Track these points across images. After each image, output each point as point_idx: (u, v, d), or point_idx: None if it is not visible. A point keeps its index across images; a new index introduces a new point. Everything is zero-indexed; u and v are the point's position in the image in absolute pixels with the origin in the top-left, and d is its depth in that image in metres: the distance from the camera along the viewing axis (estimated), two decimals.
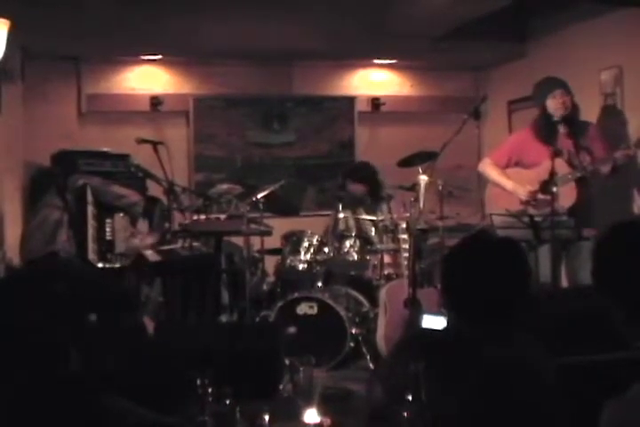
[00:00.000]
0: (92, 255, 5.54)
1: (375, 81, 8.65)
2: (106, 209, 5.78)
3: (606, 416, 1.75)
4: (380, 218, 6.50)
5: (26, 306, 1.94)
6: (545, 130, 5.70)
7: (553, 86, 5.69)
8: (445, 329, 2.57)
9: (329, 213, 7.08)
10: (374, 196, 6.84)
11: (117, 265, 5.87)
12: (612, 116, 6.56)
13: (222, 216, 6.39)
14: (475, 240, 2.63)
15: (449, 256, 2.59)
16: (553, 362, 2.34)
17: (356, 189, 6.88)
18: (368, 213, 6.63)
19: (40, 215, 5.67)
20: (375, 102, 8.58)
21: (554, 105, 5.65)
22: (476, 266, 2.42)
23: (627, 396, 1.76)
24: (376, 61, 8.48)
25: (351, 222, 6.73)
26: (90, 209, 5.58)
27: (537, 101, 5.83)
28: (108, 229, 5.65)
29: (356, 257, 6.38)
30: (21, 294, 1.97)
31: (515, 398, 2.21)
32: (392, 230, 6.35)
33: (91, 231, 5.55)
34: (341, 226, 6.72)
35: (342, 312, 5.85)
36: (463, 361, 2.27)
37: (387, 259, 6.34)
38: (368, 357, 5.76)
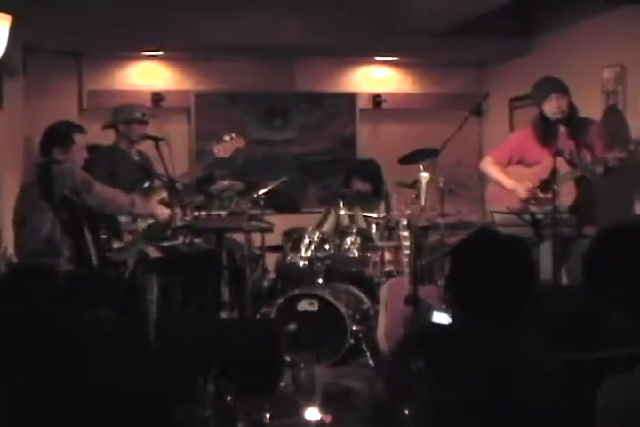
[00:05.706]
0: (95, 262, 5.43)
1: (377, 78, 8.64)
2: None
3: (606, 396, 1.74)
4: (378, 215, 6.51)
5: (27, 300, 1.94)
6: (544, 131, 5.70)
7: (548, 90, 5.67)
8: (449, 326, 2.56)
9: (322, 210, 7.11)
10: (376, 194, 6.85)
11: (117, 259, 5.79)
12: (616, 115, 6.54)
13: (223, 213, 6.39)
14: (481, 237, 2.63)
15: (455, 252, 2.59)
16: (558, 359, 2.34)
17: (362, 186, 6.88)
18: (365, 211, 6.63)
19: (30, 224, 5.37)
20: (377, 99, 8.56)
21: (549, 109, 5.65)
22: (482, 262, 2.42)
23: (628, 378, 1.75)
24: (378, 58, 8.46)
25: (346, 220, 6.74)
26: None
27: (535, 102, 5.84)
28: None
29: (356, 254, 6.37)
30: (23, 288, 1.97)
31: (519, 395, 2.20)
32: (392, 227, 6.35)
33: (89, 238, 5.41)
34: (330, 224, 6.76)
35: (343, 309, 5.85)
36: (467, 358, 2.27)
37: (387, 256, 6.32)
38: (368, 354, 5.75)
